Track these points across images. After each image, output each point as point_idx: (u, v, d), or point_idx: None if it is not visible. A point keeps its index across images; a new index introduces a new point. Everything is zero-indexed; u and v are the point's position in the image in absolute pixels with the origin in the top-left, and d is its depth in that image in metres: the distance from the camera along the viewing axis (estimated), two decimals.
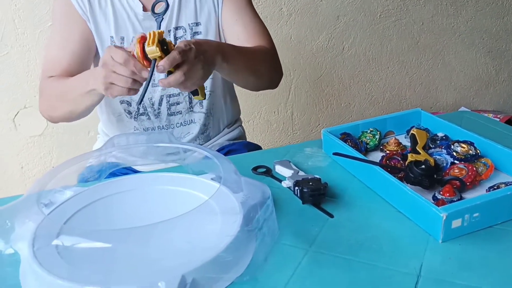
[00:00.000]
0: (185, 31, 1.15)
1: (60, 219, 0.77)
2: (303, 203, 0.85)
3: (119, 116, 1.22)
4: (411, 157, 0.91)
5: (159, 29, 0.87)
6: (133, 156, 0.95)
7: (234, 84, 1.34)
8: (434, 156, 0.94)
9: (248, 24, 1.17)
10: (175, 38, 1.15)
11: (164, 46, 0.84)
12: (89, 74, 1.01)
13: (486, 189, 0.86)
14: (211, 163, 0.86)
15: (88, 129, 1.96)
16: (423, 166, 0.85)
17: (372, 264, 0.71)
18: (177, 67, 0.87)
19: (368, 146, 1.02)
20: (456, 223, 0.74)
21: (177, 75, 0.86)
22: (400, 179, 0.85)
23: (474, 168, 0.88)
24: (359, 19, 2.31)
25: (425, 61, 2.52)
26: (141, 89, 0.88)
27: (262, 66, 1.12)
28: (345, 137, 1.02)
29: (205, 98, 1.00)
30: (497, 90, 2.72)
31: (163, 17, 0.90)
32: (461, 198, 0.82)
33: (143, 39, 0.84)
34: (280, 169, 0.97)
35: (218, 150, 1.24)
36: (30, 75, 1.86)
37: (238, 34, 1.16)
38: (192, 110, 1.22)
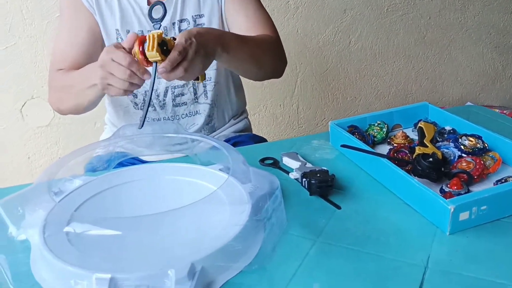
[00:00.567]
0: (189, 23, 1.16)
1: (70, 207, 0.77)
2: (310, 194, 0.86)
3: (126, 107, 1.22)
4: (418, 150, 0.91)
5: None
6: (141, 147, 0.96)
7: (238, 76, 1.34)
8: (441, 150, 0.94)
9: (251, 14, 1.16)
10: (180, 31, 1.16)
11: (164, 47, 0.85)
12: (91, 69, 1.01)
13: (494, 183, 0.86)
14: (219, 153, 0.87)
15: (95, 120, 1.97)
16: (431, 159, 0.85)
17: (379, 255, 0.71)
18: None
19: (375, 139, 1.02)
20: (464, 215, 0.74)
21: (177, 72, 0.86)
22: (408, 171, 0.85)
23: (482, 162, 0.88)
24: (366, 13, 2.30)
25: (432, 56, 2.51)
26: (146, 99, 0.89)
27: (264, 55, 1.11)
28: (353, 129, 1.02)
29: (204, 79, 1.01)
30: (504, 85, 2.71)
31: (161, 23, 0.90)
32: (468, 191, 0.82)
33: (142, 40, 0.85)
34: (287, 161, 0.97)
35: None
36: (38, 66, 1.87)
37: (241, 24, 1.16)
38: (197, 101, 1.22)
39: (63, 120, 1.96)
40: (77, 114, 1.17)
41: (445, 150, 0.94)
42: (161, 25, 0.91)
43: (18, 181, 1.94)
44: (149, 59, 0.85)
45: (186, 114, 1.22)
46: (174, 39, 0.88)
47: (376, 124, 1.05)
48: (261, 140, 1.35)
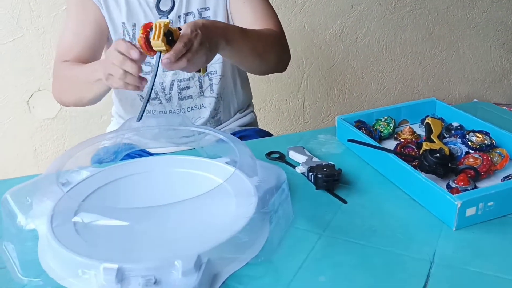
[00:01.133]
0: (194, 16, 1.16)
1: (78, 197, 0.78)
2: (316, 188, 0.86)
3: (133, 100, 1.23)
4: (425, 146, 0.91)
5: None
6: (147, 139, 0.96)
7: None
8: (448, 145, 0.94)
9: (255, 7, 1.16)
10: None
11: (170, 37, 0.84)
12: (98, 63, 1.02)
13: (501, 179, 0.86)
14: (226, 146, 0.87)
15: (101, 113, 1.98)
16: (438, 155, 0.85)
17: (385, 249, 0.71)
18: None
19: (382, 134, 1.02)
20: (471, 211, 0.74)
21: (181, 63, 0.85)
22: (414, 167, 0.85)
23: (489, 158, 0.88)
24: (373, 8, 2.29)
25: (439, 52, 2.50)
26: (146, 89, 0.88)
27: (268, 49, 1.10)
28: (359, 124, 1.02)
29: (206, 71, 1.01)
30: (511, 83, 2.69)
31: (168, 16, 0.89)
32: (475, 188, 0.82)
33: (147, 28, 0.84)
34: (294, 155, 0.97)
35: None
36: (45, 58, 1.87)
37: (246, 17, 1.16)
38: (203, 95, 1.22)
39: (70, 113, 1.97)
40: (79, 107, 1.17)
41: (452, 146, 0.94)
42: (168, 17, 0.90)
43: (24, 172, 1.95)
44: (154, 48, 0.84)
45: (192, 107, 1.23)
46: (180, 29, 0.87)
47: (383, 120, 1.05)
48: (267, 134, 1.35)
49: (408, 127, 1.03)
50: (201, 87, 1.21)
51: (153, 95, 1.20)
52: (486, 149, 0.91)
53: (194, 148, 0.98)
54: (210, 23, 0.94)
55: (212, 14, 1.17)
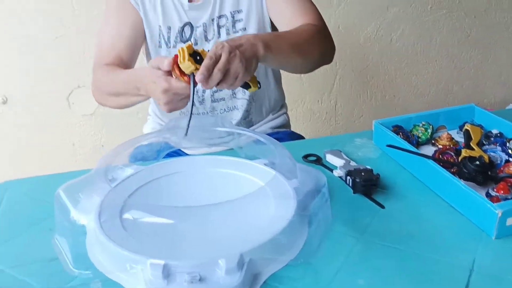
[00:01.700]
0: (227, 19, 1.17)
1: (123, 194, 0.81)
2: (354, 192, 0.87)
3: None
4: (465, 153, 0.91)
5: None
6: (188, 140, 0.99)
7: (278, 69, 1.34)
8: (488, 153, 0.93)
9: (293, 2, 1.15)
10: (218, 27, 1.17)
11: (197, 57, 0.84)
12: (138, 81, 1.00)
13: None
14: (264, 148, 0.89)
15: (137, 110, 2.01)
16: (478, 162, 0.85)
17: (423, 255, 0.72)
18: None
19: (419, 140, 1.02)
20: (511, 220, 0.74)
21: (214, 74, 0.83)
22: (453, 174, 0.85)
23: None
24: (409, 10, 2.27)
25: (475, 56, 2.46)
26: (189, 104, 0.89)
27: (310, 46, 1.07)
28: (397, 129, 1.03)
29: (259, 87, 0.97)
30: None
31: (190, 40, 0.89)
32: None
33: (176, 59, 0.85)
34: (331, 158, 0.98)
35: None
36: (85, 56, 1.93)
37: (285, 13, 1.15)
38: (235, 97, 1.24)
39: (107, 109, 2.00)
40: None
41: (492, 154, 0.93)
42: (190, 41, 0.91)
43: (62, 166, 2.01)
44: (185, 71, 0.84)
45: (224, 109, 1.24)
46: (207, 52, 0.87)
47: (420, 125, 1.05)
48: (299, 138, 1.34)
49: (446, 133, 1.03)
50: (232, 89, 1.22)
51: None
52: None
53: (232, 149, 1.00)
54: (236, 37, 0.93)
55: (245, 16, 1.17)
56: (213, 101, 1.22)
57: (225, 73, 0.84)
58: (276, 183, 0.80)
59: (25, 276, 0.69)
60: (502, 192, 0.81)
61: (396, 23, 2.27)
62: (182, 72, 0.85)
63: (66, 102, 1.99)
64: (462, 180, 0.84)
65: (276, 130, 1.34)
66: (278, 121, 1.36)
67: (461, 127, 1.06)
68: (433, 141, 1.03)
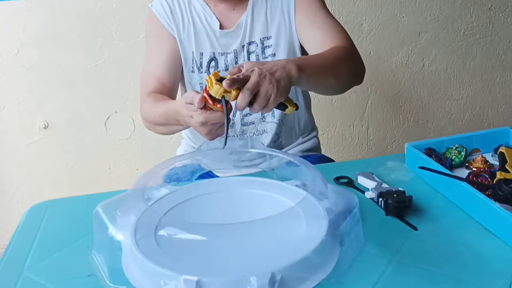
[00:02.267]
0: (257, 45, 1.21)
1: (159, 212, 0.83)
2: (386, 214, 0.87)
3: None
4: (500, 175, 0.89)
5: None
6: (220, 162, 1.01)
7: (307, 93, 1.35)
8: None
9: (322, 26, 1.17)
10: (248, 53, 1.21)
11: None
12: (177, 114, 1.00)
13: None
14: (296, 169, 0.90)
15: (171, 135, 2.07)
16: None
17: (457, 277, 0.71)
18: None
19: (453, 163, 1.02)
20: None
21: (244, 94, 0.83)
22: (488, 196, 0.84)
23: None
24: (441, 35, 2.27)
25: (510, 80, 2.42)
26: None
27: (341, 66, 1.08)
28: (429, 152, 1.02)
29: (297, 108, 0.95)
30: None
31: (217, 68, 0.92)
32: None
33: (206, 91, 0.86)
34: (362, 180, 0.98)
35: None
36: (122, 83, 2.00)
37: (315, 37, 1.17)
38: (265, 120, 1.26)
39: (142, 134, 2.08)
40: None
41: None
42: (218, 69, 0.93)
43: (98, 190, 2.06)
44: (216, 96, 0.84)
45: (254, 132, 1.26)
46: None
47: (454, 148, 1.04)
48: (329, 161, 1.35)
49: (480, 155, 1.02)
50: (262, 113, 1.24)
51: None
52: None
53: (264, 171, 1.02)
54: (267, 62, 0.93)
55: (274, 42, 1.20)
56: (243, 124, 1.25)
57: (256, 94, 0.85)
58: (308, 203, 0.81)
59: None
60: None
61: (428, 48, 2.27)
62: (214, 100, 0.86)
63: (104, 127, 2.06)
64: (497, 202, 0.82)
65: (306, 153, 1.35)
66: (308, 144, 1.36)
67: (495, 150, 1.05)
68: (466, 164, 1.02)
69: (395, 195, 0.86)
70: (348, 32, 1.20)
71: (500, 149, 0.99)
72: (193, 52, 1.21)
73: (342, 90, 1.18)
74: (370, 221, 0.86)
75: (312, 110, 1.40)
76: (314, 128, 1.41)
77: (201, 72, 1.22)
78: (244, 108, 0.86)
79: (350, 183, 1.00)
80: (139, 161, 2.13)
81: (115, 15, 1.92)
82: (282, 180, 0.94)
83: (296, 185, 0.91)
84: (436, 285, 0.70)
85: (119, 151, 2.10)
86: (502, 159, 0.96)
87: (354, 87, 1.21)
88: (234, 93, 0.84)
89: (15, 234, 0.90)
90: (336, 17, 1.22)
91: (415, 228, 0.83)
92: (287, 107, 0.93)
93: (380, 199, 0.87)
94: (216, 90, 0.84)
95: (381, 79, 2.26)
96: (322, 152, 1.44)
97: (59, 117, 2.02)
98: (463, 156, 1.02)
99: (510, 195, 0.83)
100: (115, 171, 2.13)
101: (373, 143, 2.35)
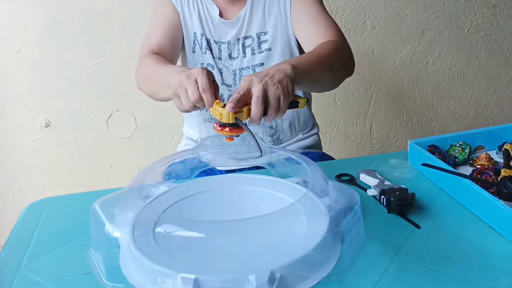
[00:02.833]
0: (253, 40, 1.21)
1: (157, 210, 0.82)
2: (388, 212, 0.85)
3: (200, 123, 1.29)
4: (504, 172, 0.88)
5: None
6: (220, 157, 1.00)
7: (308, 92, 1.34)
8: None
9: (314, 20, 1.17)
10: (243, 47, 1.21)
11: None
12: (171, 74, 0.99)
13: None
14: (297, 166, 0.89)
15: (173, 133, 2.06)
16: None
17: (461, 276, 0.69)
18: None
19: (456, 160, 1.00)
20: None
21: (256, 104, 0.83)
22: (492, 194, 0.82)
23: None
24: (445, 33, 2.25)
25: None
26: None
27: (334, 60, 1.08)
28: (433, 149, 1.01)
29: (308, 101, 0.93)
30: None
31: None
32: None
33: (218, 125, 0.88)
34: (364, 178, 0.97)
35: None
36: (124, 81, 1.99)
37: (308, 29, 1.17)
38: None
39: (144, 132, 2.07)
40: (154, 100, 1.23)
41: None
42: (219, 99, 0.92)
43: (99, 188, 2.06)
44: (229, 122, 0.84)
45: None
46: None
47: (457, 145, 1.02)
48: (330, 159, 1.33)
49: (484, 153, 1.00)
50: (276, 120, 1.22)
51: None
52: None
53: (265, 168, 1.00)
54: (261, 71, 0.92)
55: (271, 37, 1.20)
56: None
57: (266, 101, 0.84)
58: (308, 200, 0.79)
59: None
60: None
61: (432, 46, 2.25)
62: (228, 126, 0.86)
63: (105, 125, 2.05)
64: (501, 200, 0.81)
65: (306, 150, 1.33)
66: (309, 141, 1.35)
67: (500, 147, 1.03)
68: (470, 161, 1.01)
69: (397, 193, 0.85)
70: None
71: (505, 146, 0.97)
72: (195, 33, 1.23)
73: (337, 85, 1.18)
74: (372, 219, 0.84)
75: (315, 108, 1.40)
76: (314, 125, 1.40)
77: (203, 53, 1.23)
78: (260, 120, 0.85)
79: (352, 180, 0.98)
80: (140, 159, 2.12)
81: (116, 12, 1.91)
82: (283, 177, 0.92)
83: (297, 183, 0.90)
84: (440, 283, 0.68)
85: (120, 149, 2.09)
86: (507, 156, 0.95)
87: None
88: (245, 109, 0.84)
89: (12, 231, 0.89)
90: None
91: (418, 226, 0.81)
92: (299, 102, 0.92)
93: (382, 196, 0.86)
94: (227, 117, 0.83)
95: (384, 77, 2.25)
96: (325, 150, 1.43)
97: (60, 115, 2.01)
98: (467, 154, 1.01)
99: None
100: (117, 170, 2.12)
101: (376, 141, 2.33)
